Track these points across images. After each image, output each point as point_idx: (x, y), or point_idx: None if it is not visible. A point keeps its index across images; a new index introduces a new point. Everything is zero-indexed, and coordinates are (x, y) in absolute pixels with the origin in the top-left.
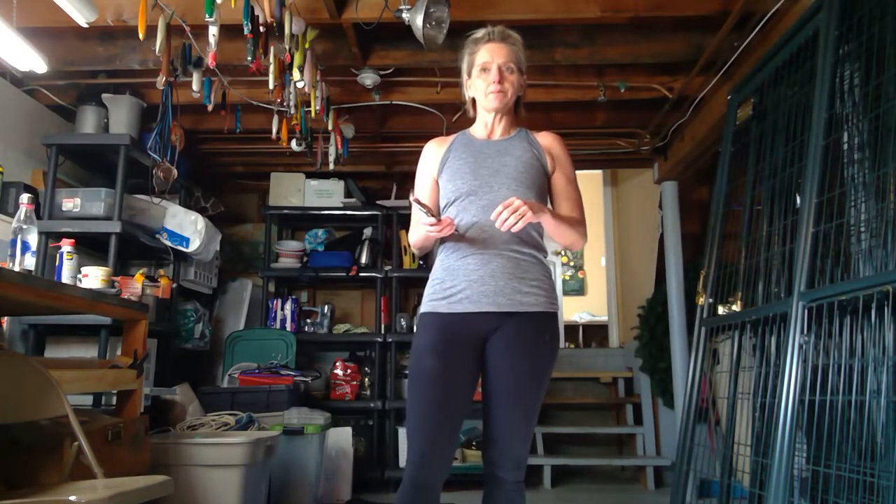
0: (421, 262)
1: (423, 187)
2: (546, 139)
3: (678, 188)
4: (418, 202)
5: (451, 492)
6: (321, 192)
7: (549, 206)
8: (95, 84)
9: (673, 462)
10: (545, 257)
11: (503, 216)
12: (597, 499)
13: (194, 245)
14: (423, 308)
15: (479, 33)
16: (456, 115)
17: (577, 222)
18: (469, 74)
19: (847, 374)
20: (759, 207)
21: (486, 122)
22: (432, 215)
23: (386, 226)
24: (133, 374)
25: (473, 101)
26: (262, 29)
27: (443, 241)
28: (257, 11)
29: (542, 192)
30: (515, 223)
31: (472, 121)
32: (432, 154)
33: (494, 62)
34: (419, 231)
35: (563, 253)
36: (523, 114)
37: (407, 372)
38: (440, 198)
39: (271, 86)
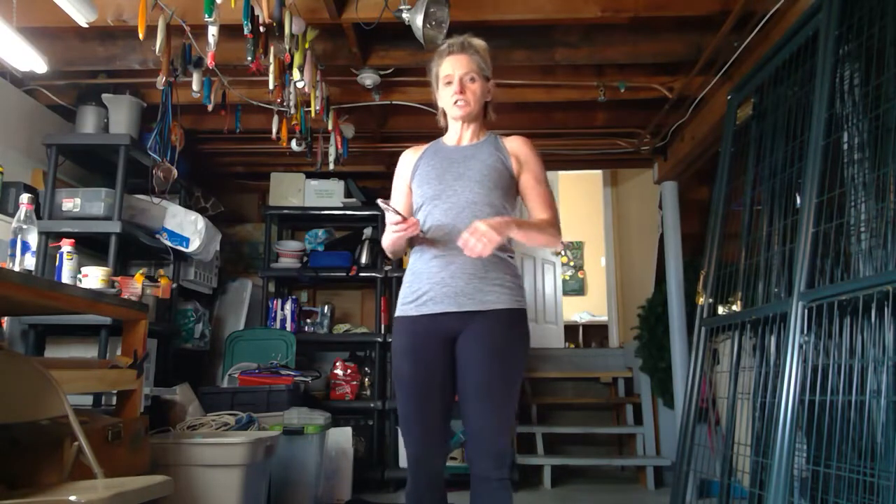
0: None
1: (398, 194)
2: (513, 143)
3: (678, 188)
4: (384, 202)
5: (450, 492)
6: (321, 192)
7: (517, 206)
8: (95, 84)
9: (673, 462)
10: (511, 257)
11: (470, 244)
12: (597, 499)
13: (194, 245)
14: (396, 312)
15: (443, 46)
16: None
17: (548, 223)
18: (437, 86)
19: (847, 374)
20: (759, 207)
21: (456, 130)
22: (398, 214)
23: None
24: (133, 374)
25: (444, 110)
26: (262, 29)
27: (412, 244)
28: (257, 11)
29: (505, 193)
30: (482, 248)
31: None
32: (406, 162)
33: (456, 74)
34: (388, 233)
35: (562, 253)
36: (493, 118)
37: None
38: (413, 203)
39: (271, 86)
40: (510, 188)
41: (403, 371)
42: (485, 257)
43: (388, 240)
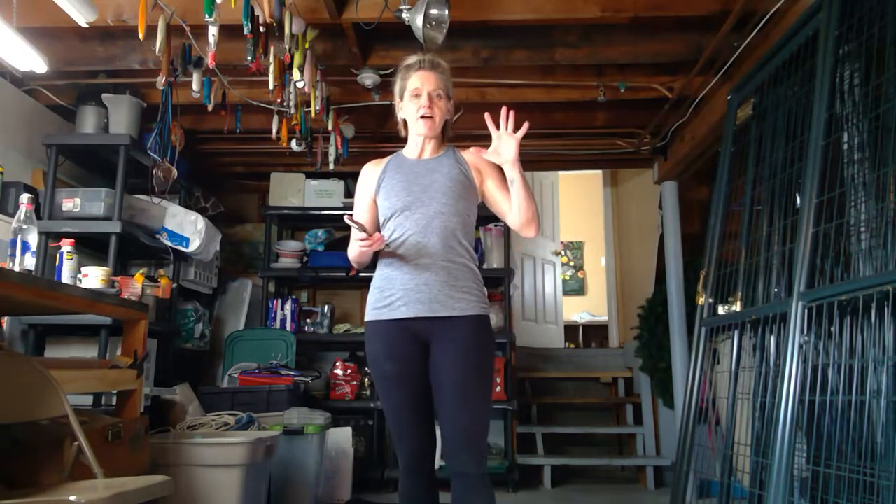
0: None
1: (361, 205)
2: (470, 155)
3: (678, 188)
4: (351, 219)
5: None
6: (321, 192)
7: (475, 217)
8: (95, 84)
9: (673, 462)
10: (476, 265)
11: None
12: (597, 499)
13: (194, 245)
14: (367, 317)
15: (412, 59)
16: (455, 116)
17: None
18: (401, 98)
19: (847, 374)
20: (759, 207)
21: (417, 143)
22: (364, 230)
23: None
24: (133, 374)
25: (405, 122)
26: (262, 29)
27: (379, 253)
28: (257, 11)
29: (469, 203)
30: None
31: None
32: (369, 175)
33: (425, 89)
34: (354, 246)
35: (563, 253)
36: (450, 136)
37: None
38: (379, 215)
39: (271, 86)
40: (473, 198)
41: (388, 372)
42: (453, 267)
43: (354, 251)
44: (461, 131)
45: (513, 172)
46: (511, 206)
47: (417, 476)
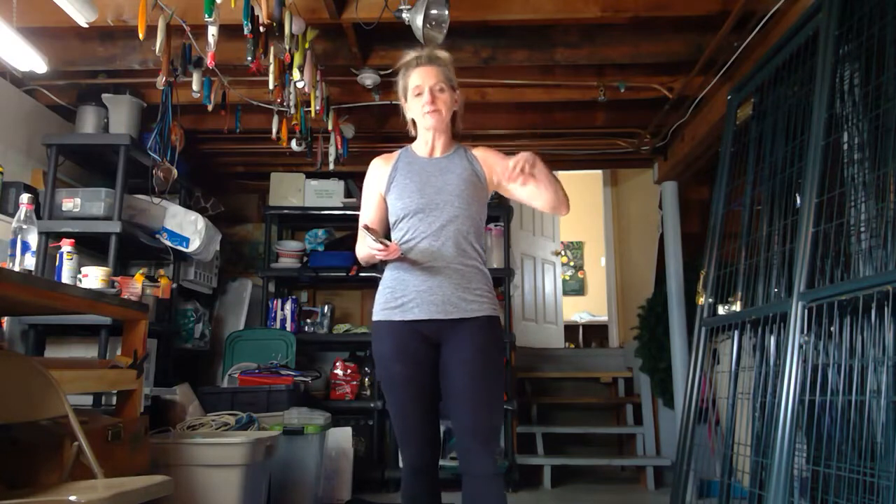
0: None
1: (370, 203)
2: (480, 152)
3: (678, 188)
4: (368, 229)
5: (451, 492)
6: (321, 192)
7: (485, 218)
8: (95, 84)
9: (673, 462)
10: (486, 267)
11: (518, 170)
12: (597, 499)
13: (194, 245)
14: (376, 316)
15: (409, 57)
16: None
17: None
18: (405, 97)
19: (847, 374)
20: (759, 207)
21: (427, 140)
22: (380, 241)
23: None
24: (133, 374)
25: (413, 121)
26: (262, 29)
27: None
28: (257, 11)
29: (481, 205)
30: (533, 163)
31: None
32: (378, 172)
33: (426, 84)
34: (365, 249)
35: (563, 253)
36: (461, 128)
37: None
38: (389, 214)
39: (271, 86)
40: (483, 199)
41: (396, 373)
42: (466, 269)
43: (364, 253)
44: (461, 131)
45: (540, 175)
46: (540, 197)
47: (421, 477)
